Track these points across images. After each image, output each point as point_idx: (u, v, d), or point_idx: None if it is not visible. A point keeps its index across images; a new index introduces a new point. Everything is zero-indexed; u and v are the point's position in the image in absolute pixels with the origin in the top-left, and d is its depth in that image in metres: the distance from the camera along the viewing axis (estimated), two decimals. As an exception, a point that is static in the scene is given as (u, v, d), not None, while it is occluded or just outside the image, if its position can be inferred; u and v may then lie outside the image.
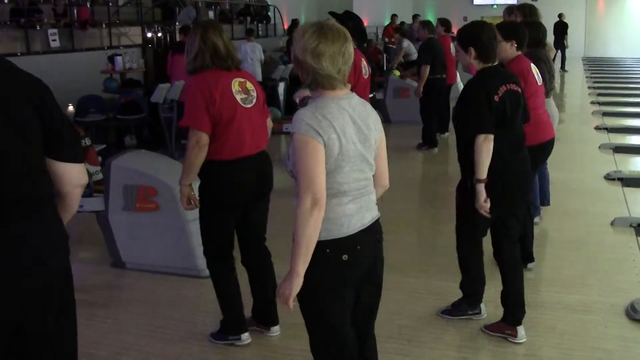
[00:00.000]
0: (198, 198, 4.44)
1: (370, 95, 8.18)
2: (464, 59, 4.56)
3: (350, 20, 6.69)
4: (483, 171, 4.31)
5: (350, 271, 3.04)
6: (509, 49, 5.39)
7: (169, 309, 5.24)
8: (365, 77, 6.76)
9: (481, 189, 4.33)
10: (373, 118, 3.09)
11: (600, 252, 6.25)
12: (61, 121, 2.66)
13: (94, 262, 6.26)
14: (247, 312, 4.73)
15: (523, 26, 5.74)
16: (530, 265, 5.77)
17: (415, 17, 22.58)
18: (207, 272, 5.58)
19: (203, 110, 4.19)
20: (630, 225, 6.86)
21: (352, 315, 3.18)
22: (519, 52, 5.50)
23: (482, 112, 4.33)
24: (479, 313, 4.91)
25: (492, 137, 4.30)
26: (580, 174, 9.28)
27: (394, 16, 24.14)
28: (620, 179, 8.72)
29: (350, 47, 2.96)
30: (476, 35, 4.47)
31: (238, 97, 4.31)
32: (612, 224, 6.97)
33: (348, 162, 2.94)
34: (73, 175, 2.76)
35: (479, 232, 4.75)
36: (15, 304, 2.58)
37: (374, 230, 3.12)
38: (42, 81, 2.67)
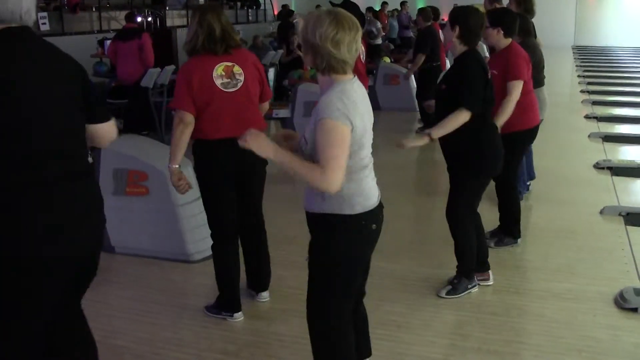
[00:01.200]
0: (185, 176, 4.55)
1: None
2: (448, 34, 4.78)
3: (349, 8, 6.71)
4: (441, 132, 4.64)
5: (375, 239, 3.37)
6: (495, 35, 5.52)
7: (159, 293, 5.23)
8: (363, 61, 7.02)
9: (425, 141, 4.66)
10: (368, 98, 3.32)
11: (589, 240, 6.27)
12: (94, 92, 3.08)
13: (83, 247, 6.23)
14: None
15: (511, 13, 5.78)
16: (512, 243, 6.04)
17: (403, 4, 22.64)
18: (196, 257, 5.64)
19: (185, 92, 4.35)
20: (620, 214, 6.88)
21: None
22: (510, 40, 5.55)
23: (476, 89, 4.61)
24: (475, 286, 5.14)
25: (469, 116, 4.57)
26: (570, 162, 9.29)
27: (384, 3, 24.14)
28: (610, 168, 8.73)
29: (360, 35, 3.13)
30: (464, 17, 4.70)
31: (218, 82, 4.41)
32: (601, 212, 6.99)
33: (367, 138, 3.19)
34: (107, 132, 3.17)
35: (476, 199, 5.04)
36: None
37: (380, 200, 3.37)
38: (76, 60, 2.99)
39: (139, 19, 17.79)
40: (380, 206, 3.34)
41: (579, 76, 18.99)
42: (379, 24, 18.34)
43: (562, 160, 9.28)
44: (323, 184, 3.00)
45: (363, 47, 6.91)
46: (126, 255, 5.93)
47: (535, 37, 6.84)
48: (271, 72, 14.37)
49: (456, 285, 5.06)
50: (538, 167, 7.84)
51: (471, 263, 5.07)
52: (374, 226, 3.30)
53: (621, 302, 4.93)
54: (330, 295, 3.36)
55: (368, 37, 15.24)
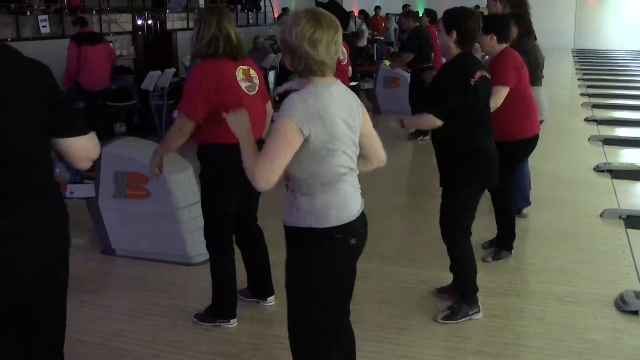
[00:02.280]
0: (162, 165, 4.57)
1: (354, 84, 8.27)
2: (444, 40, 4.59)
3: (332, 8, 6.70)
4: (410, 125, 4.90)
5: (355, 255, 3.15)
6: (489, 42, 5.46)
7: (159, 296, 5.24)
8: (343, 63, 7.12)
9: (397, 125, 4.71)
10: (356, 103, 3.14)
11: (589, 243, 6.27)
12: (61, 99, 2.78)
13: (84, 249, 6.24)
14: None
15: (504, 18, 5.72)
16: (507, 255, 5.87)
17: (405, 7, 22.65)
18: (196, 260, 5.63)
19: (199, 99, 4.27)
20: (620, 217, 6.88)
21: None
22: (505, 45, 5.49)
23: (449, 95, 4.48)
24: (479, 312, 4.80)
25: (438, 123, 4.49)
26: (570, 165, 9.30)
27: (377, 8, 24.21)
28: (610, 171, 8.74)
29: (341, 35, 3.00)
30: (461, 19, 4.53)
31: (243, 85, 4.40)
32: (601, 215, 6.99)
33: (341, 145, 2.98)
34: (82, 147, 2.91)
35: (468, 217, 4.79)
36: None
37: (364, 214, 3.17)
38: (41, 62, 2.68)
39: (140, 22, 17.81)
40: (361, 218, 3.12)
41: (579, 79, 19.01)
42: (364, 26, 18.48)
43: (562, 163, 9.28)
44: (253, 178, 2.89)
45: (345, 49, 6.90)
46: (126, 257, 5.93)
47: (535, 39, 6.76)
48: (271, 75, 14.40)
49: (455, 310, 4.77)
50: (538, 170, 7.84)
51: (470, 283, 4.80)
52: (352, 240, 3.07)
53: (621, 305, 4.93)
54: (311, 316, 3.14)
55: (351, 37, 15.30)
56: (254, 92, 4.46)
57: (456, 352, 4.39)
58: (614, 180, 8.39)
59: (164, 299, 5.18)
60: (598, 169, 8.88)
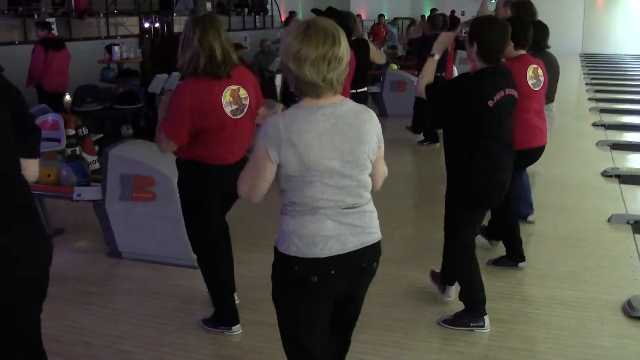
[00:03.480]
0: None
1: (364, 89, 8.17)
2: (468, 52, 4.42)
3: (332, 16, 6.62)
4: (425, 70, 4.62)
5: (319, 292, 2.88)
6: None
7: (165, 299, 5.24)
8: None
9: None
10: (367, 129, 2.82)
11: (597, 248, 6.24)
12: (29, 121, 2.89)
13: (91, 251, 6.26)
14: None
15: (521, 22, 5.53)
16: (521, 264, 5.75)
17: (432, 10, 22.72)
18: (203, 263, 5.60)
19: (185, 123, 4.12)
20: (627, 223, 6.86)
21: (330, 325, 3.10)
22: (522, 51, 5.36)
23: (443, 111, 4.48)
24: (483, 326, 4.66)
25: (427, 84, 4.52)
26: (578, 170, 9.27)
27: (380, 16, 24.18)
28: (618, 176, 8.70)
29: (340, 50, 2.69)
30: (481, 32, 4.32)
31: (228, 110, 4.21)
32: (609, 220, 6.97)
33: (319, 176, 2.72)
34: (26, 169, 2.83)
35: (469, 232, 4.70)
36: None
37: (360, 257, 2.91)
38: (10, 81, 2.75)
39: (146, 25, 17.85)
40: (337, 259, 2.81)
41: (586, 84, 18.96)
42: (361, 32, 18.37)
43: (569, 168, 9.26)
44: (240, 191, 2.95)
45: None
46: (133, 260, 5.93)
47: (548, 47, 6.51)
48: (278, 78, 14.39)
49: (456, 317, 4.71)
50: (545, 175, 7.83)
51: (475, 297, 4.67)
52: (314, 279, 2.81)
53: (629, 310, 4.91)
54: (282, 334, 3.07)
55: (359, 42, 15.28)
56: (241, 115, 4.29)
57: (462, 357, 4.37)
58: (622, 186, 8.36)
59: (170, 302, 5.18)
60: (606, 174, 8.85)
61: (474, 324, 4.65)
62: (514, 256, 5.76)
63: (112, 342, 4.58)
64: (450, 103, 4.39)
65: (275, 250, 2.90)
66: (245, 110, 4.31)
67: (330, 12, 6.73)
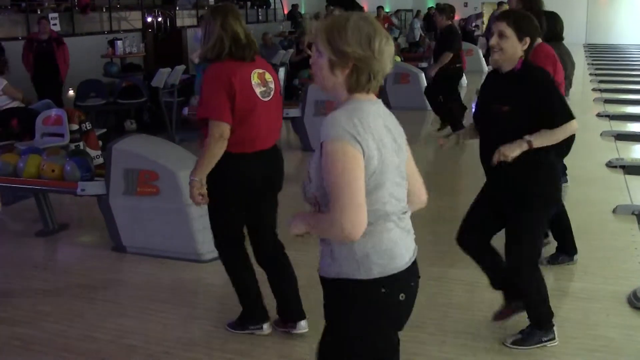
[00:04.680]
0: (206, 191, 4.15)
1: None
2: (514, 48, 4.00)
3: (348, 4, 6.55)
4: (544, 142, 3.98)
5: (405, 314, 2.70)
6: None
7: (170, 293, 5.24)
8: None
9: (524, 148, 3.93)
10: (400, 127, 2.70)
11: (602, 239, 6.23)
12: None
13: (95, 246, 6.27)
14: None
15: (537, 13, 5.46)
16: (576, 257, 5.68)
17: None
18: (207, 257, 5.64)
19: (225, 100, 3.98)
20: (633, 213, 6.85)
21: None
22: (539, 40, 5.25)
23: (563, 99, 4.10)
24: (554, 339, 4.37)
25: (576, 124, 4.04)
26: (582, 161, 9.22)
27: (379, 8, 23.99)
28: (622, 167, 8.70)
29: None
30: (537, 26, 4.16)
31: (257, 90, 4.13)
32: (614, 211, 6.96)
33: (388, 176, 2.51)
34: None
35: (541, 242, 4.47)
36: None
37: (417, 266, 2.74)
38: None
39: (149, 19, 17.85)
40: (411, 269, 2.65)
41: (590, 74, 18.91)
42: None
43: (574, 159, 9.15)
44: (338, 231, 2.36)
45: None
46: (137, 254, 5.94)
47: (563, 38, 6.43)
48: (281, 72, 14.40)
49: (526, 336, 4.36)
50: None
51: (544, 311, 4.32)
52: (402, 296, 2.59)
53: (634, 302, 4.89)
54: None
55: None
56: (269, 98, 4.19)
57: (467, 349, 4.36)
58: (627, 176, 8.35)
59: (175, 296, 5.18)
60: (610, 165, 8.84)
61: (546, 339, 4.35)
62: (571, 249, 5.69)
63: (118, 337, 4.58)
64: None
65: (341, 283, 2.54)
66: (272, 94, 4.24)
67: (354, 4, 6.60)
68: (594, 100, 14.44)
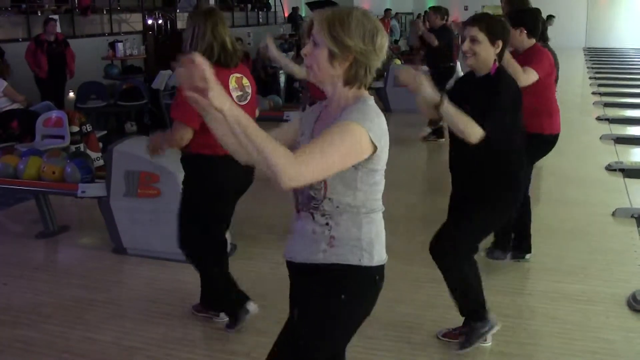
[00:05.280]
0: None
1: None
2: (487, 53, 4.02)
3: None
4: (449, 116, 3.84)
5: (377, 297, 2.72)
6: (518, 36, 5.21)
7: (170, 295, 5.24)
8: None
9: (435, 100, 3.83)
10: None
11: (601, 242, 6.24)
12: None
13: (96, 248, 6.27)
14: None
15: (533, 12, 5.52)
16: (528, 256, 5.78)
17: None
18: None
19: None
20: (632, 216, 6.85)
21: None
22: (534, 40, 5.35)
23: (505, 118, 3.97)
24: (493, 327, 4.38)
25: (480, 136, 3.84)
26: (582, 164, 9.26)
27: (387, 10, 24.11)
28: (622, 170, 8.70)
29: None
30: (509, 30, 4.17)
31: (234, 95, 4.25)
32: (613, 214, 6.97)
33: (382, 169, 2.59)
34: None
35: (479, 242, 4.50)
36: None
37: None
38: None
39: (150, 21, 17.87)
40: None
41: (590, 78, 18.94)
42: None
43: (573, 162, 9.25)
44: (284, 170, 2.18)
45: None
46: (138, 256, 5.94)
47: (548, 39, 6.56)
48: (282, 74, 14.40)
49: (468, 335, 4.38)
50: (550, 168, 7.82)
51: (477, 302, 4.33)
52: (381, 283, 2.68)
53: (634, 304, 4.90)
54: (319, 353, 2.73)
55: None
56: (245, 102, 4.29)
57: (468, 352, 4.37)
58: (626, 179, 8.36)
59: (176, 298, 5.18)
60: (610, 168, 8.85)
61: (484, 330, 4.35)
62: (524, 247, 5.78)
63: (119, 338, 4.59)
64: (508, 110, 4.02)
65: (339, 269, 2.57)
66: (249, 98, 4.37)
67: (326, 3, 6.56)
68: (593, 103, 14.46)
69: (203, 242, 4.58)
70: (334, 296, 2.59)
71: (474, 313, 4.35)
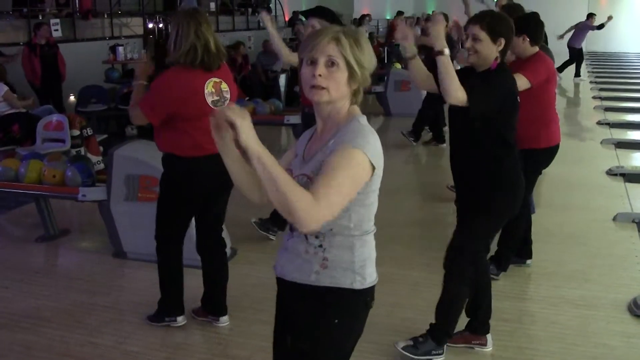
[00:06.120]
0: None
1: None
2: (488, 50, 4.04)
3: (322, 15, 6.45)
4: (444, 67, 3.88)
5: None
6: (521, 44, 5.14)
7: (171, 299, 5.24)
8: None
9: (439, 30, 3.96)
10: None
11: (602, 247, 6.23)
12: None
13: (96, 252, 6.27)
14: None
15: (536, 18, 5.48)
16: (528, 261, 5.77)
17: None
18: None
19: (160, 103, 4.26)
20: (633, 221, 6.85)
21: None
22: (537, 48, 5.28)
23: (489, 98, 3.96)
24: (442, 354, 4.34)
25: (461, 100, 3.86)
26: (582, 169, 9.26)
27: (399, 13, 24.14)
28: (623, 175, 8.70)
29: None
30: (512, 28, 4.15)
31: (209, 99, 4.30)
32: (614, 219, 6.96)
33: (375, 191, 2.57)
34: None
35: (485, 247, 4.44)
36: None
37: None
38: None
39: (150, 25, 17.87)
40: None
41: (590, 82, 18.93)
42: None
43: (574, 167, 9.24)
44: (306, 215, 2.20)
45: None
46: (138, 260, 5.93)
47: (547, 43, 6.57)
48: (282, 78, 14.41)
49: (419, 344, 4.32)
50: (550, 174, 7.79)
51: (449, 326, 4.32)
52: (372, 303, 2.63)
53: (635, 309, 4.90)
54: None
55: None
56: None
57: (468, 356, 4.37)
58: (627, 184, 8.35)
59: (176, 302, 5.18)
60: (610, 173, 8.85)
61: (435, 353, 4.32)
62: (525, 252, 5.75)
63: (119, 342, 4.59)
64: (497, 100, 4.04)
65: (332, 292, 2.53)
66: (226, 103, 4.37)
67: (320, 11, 6.50)
68: (594, 108, 14.45)
69: (167, 235, 4.70)
70: (326, 320, 2.56)
71: (439, 332, 4.32)
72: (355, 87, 2.50)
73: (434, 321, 4.34)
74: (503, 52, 4.07)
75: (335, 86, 2.46)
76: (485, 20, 4.06)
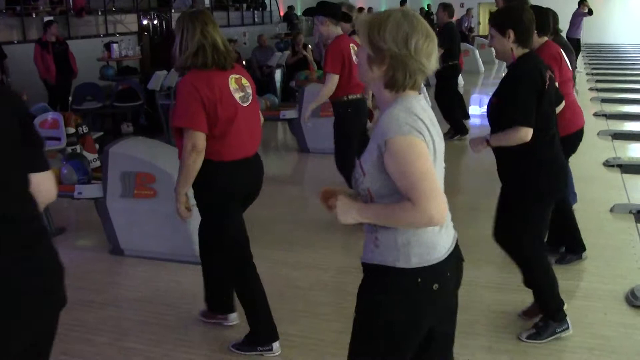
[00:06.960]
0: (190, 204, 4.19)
1: None
2: (501, 44, 4.22)
3: (324, 10, 6.39)
4: (496, 143, 4.26)
5: (438, 302, 2.60)
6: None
7: (167, 296, 5.24)
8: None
9: (484, 147, 4.35)
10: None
11: (600, 238, 6.22)
12: (35, 132, 2.53)
13: (93, 249, 6.26)
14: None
15: (542, 9, 5.41)
16: (584, 254, 5.72)
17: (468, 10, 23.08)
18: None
19: (199, 109, 3.89)
20: (630, 212, 6.85)
21: (426, 345, 2.71)
22: (545, 38, 5.34)
23: (529, 104, 4.08)
24: (567, 328, 4.46)
25: (531, 132, 4.06)
26: (579, 160, 9.16)
27: (402, 3, 24.14)
28: (619, 166, 8.71)
29: None
30: (516, 16, 4.20)
31: (236, 96, 4.07)
32: (611, 210, 6.96)
33: (439, 165, 2.59)
34: (41, 184, 2.52)
35: (541, 230, 4.52)
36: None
37: (457, 248, 2.74)
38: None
39: (145, 22, 17.86)
40: (451, 260, 2.63)
41: (587, 74, 18.93)
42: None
43: (571, 158, 9.10)
44: (422, 218, 2.39)
45: (357, 47, 6.41)
46: (135, 257, 5.93)
47: (557, 33, 6.43)
48: (278, 73, 14.40)
49: (540, 328, 4.45)
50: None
51: (554, 302, 4.45)
52: (435, 286, 2.54)
53: (632, 300, 4.90)
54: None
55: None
56: (248, 103, 4.12)
57: (466, 349, 4.35)
58: (624, 175, 8.36)
59: (173, 298, 5.18)
60: (607, 164, 8.85)
61: (559, 330, 4.44)
62: (577, 247, 5.71)
63: (116, 339, 4.58)
64: (534, 97, 4.13)
65: (380, 269, 2.57)
66: (250, 98, 4.19)
67: (322, 6, 6.47)
68: (590, 99, 14.44)
69: (231, 250, 4.33)
70: (371, 295, 2.62)
71: (551, 311, 4.47)
72: (382, 68, 2.50)
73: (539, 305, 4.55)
74: (521, 41, 4.19)
75: (360, 66, 2.61)
76: (492, 18, 4.37)
